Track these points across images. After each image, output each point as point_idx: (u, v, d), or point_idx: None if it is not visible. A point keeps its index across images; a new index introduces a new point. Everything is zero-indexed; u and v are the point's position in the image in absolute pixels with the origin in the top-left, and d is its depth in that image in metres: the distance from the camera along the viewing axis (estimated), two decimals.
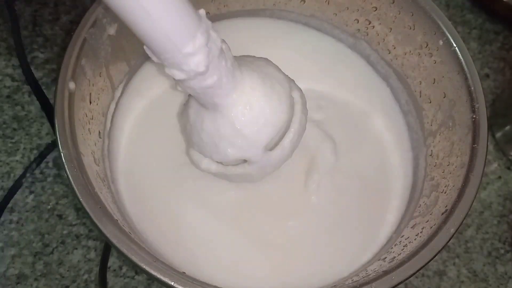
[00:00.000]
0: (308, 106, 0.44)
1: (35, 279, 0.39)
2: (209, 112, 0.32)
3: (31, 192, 0.42)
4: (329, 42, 0.46)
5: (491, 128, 0.49)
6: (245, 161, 0.34)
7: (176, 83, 0.30)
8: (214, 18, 0.45)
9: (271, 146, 0.33)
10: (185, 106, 0.35)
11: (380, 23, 0.42)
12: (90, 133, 0.35)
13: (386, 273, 0.29)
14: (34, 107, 0.46)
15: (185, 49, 0.26)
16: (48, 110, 0.45)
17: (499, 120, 0.49)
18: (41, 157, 0.44)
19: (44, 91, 0.47)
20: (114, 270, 0.40)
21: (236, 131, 0.31)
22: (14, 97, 0.46)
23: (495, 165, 0.48)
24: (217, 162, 0.35)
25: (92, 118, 0.35)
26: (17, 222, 0.41)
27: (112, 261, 0.40)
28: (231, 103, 0.31)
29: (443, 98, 0.38)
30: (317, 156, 0.40)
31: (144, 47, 0.27)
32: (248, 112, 0.31)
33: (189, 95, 0.33)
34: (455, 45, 0.36)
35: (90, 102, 0.35)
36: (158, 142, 0.41)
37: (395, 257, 0.32)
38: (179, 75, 0.27)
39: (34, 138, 0.45)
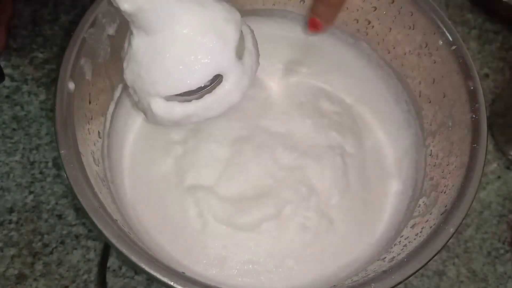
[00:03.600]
0: (305, 107, 0.44)
1: (35, 279, 0.39)
2: (164, 33, 0.28)
3: (30, 192, 0.42)
4: (328, 42, 0.46)
5: (490, 128, 0.49)
6: (210, 87, 0.31)
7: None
8: None
9: (238, 55, 0.31)
10: (127, 58, 0.31)
11: (379, 23, 0.42)
12: (90, 133, 0.35)
13: (385, 273, 0.29)
14: (34, 107, 0.46)
15: None
16: None
17: (498, 120, 0.49)
18: None
19: (44, 91, 0.47)
20: (114, 270, 0.40)
21: (203, 36, 0.29)
22: (14, 97, 0.46)
23: (494, 165, 0.48)
24: (188, 101, 0.31)
25: (91, 118, 0.35)
26: (17, 222, 0.41)
27: (112, 261, 0.40)
28: (187, 9, 0.28)
29: (442, 98, 0.38)
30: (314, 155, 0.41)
31: None
32: (206, 12, 0.29)
33: (128, 44, 0.31)
34: (454, 45, 0.36)
35: (90, 102, 0.35)
36: (158, 141, 0.41)
37: (394, 257, 0.32)
38: None
39: (34, 138, 0.45)
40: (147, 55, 0.29)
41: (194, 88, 0.30)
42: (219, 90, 0.31)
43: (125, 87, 0.41)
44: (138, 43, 0.29)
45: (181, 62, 0.29)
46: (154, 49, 0.29)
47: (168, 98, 0.30)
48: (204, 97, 0.31)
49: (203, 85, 0.30)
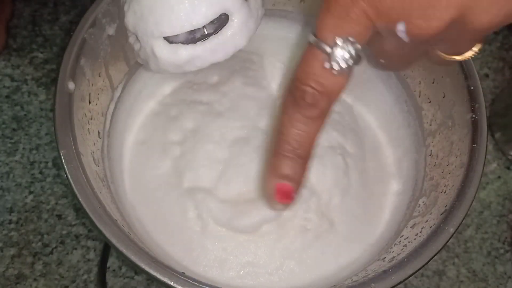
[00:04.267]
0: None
1: (35, 279, 0.39)
2: None
3: (30, 192, 0.42)
4: None
5: (490, 128, 0.49)
6: (224, 24, 0.30)
7: None
8: None
9: None
10: (128, 2, 0.30)
11: None
12: (90, 133, 0.35)
13: (385, 273, 0.29)
14: (34, 107, 0.46)
15: None
16: None
17: (498, 120, 0.49)
18: None
19: (44, 91, 0.47)
20: (114, 270, 0.40)
21: None
22: (14, 97, 0.46)
23: (494, 165, 0.48)
24: (193, 43, 0.30)
25: (91, 118, 0.35)
26: (17, 222, 0.41)
27: (112, 261, 0.40)
28: None
29: (442, 98, 0.38)
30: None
31: None
32: None
33: None
34: None
35: (90, 102, 0.35)
36: (157, 142, 0.41)
37: (394, 257, 0.32)
38: None
39: (34, 138, 0.45)
40: None
41: (198, 26, 0.28)
42: (225, 31, 0.29)
43: (126, 85, 0.41)
44: None
45: (187, 1, 0.27)
46: None
47: (172, 42, 0.29)
48: (209, 38, 0.29)
49: (206, 32, 0.29)
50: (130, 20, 0.30)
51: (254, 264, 0.36)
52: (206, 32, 0.29)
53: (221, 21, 0.29)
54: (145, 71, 0.42)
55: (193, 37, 0.29)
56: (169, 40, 0.29)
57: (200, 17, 0.28)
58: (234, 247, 0.37)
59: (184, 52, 0.29)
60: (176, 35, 0.29)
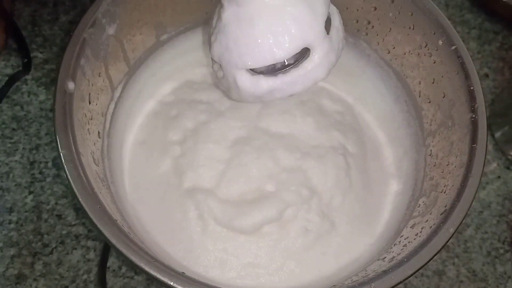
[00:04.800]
0: (306, 105, 0.44)
1: (35, 279, 0.39)
2: (255, 3, 0.28)
3: (30, 192, 0.42)
4: None
5: (490, 128, 0.49)
6: (305, 57, 0.31)
7: None
8: None
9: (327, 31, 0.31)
10: (216, 31, 0.31)
11: (379, 23, 0.42)
12: (90, 133, 0.35)
13: (385, 272, 0.29)
14: (34, 107, 0.46)
15: None
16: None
17: (498, 120, 0.49)
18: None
19: (43, 91, 0.47)
20: (114, 270, 0.40)
21: (293, 6, 0.28)
22: (13, 97, 0.46)
23: (494, 164, 0.48)
24: (274, 75, 0.31)
25: (91, 118, 0.35)
26: (17, 222, 0.41)
27: (112, 261, 0.40)
28: None
29: (442, 98, 0.38)
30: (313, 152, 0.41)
31: None
32: None
33: (218, 17, 0.31)
34: (454, 45, 0.36)
35: (90, 102, 0.35)
36: (157, 141, 0.41)
37: (394, 256, 0.32)
38: None
39: (33, 138, 0.45)
40: (237, 26, 0.29)
41: (281, 60, 0.29)
42: (306, 64, 0.30)
43: (126, 86, 0.41)
44: (229, 15, 0.29)
45: (270, 31, 0.28)
46: (244, 19, 0.29)
47: (253, 73, 0.30)
48: (290, 70, 0.30)
49: (287, 63, 0.30)
50: (216, 50, 0.31)
51: (255, 264, 0.36)
52: (286, 63, 0.30)
53: (302, 53, 0.30)
54: (145, 71, 0.43)
55: (274, 67, 0.30)
56: (251, 71, 0.30)
57: (283, 52, 0.29)
58: (235, 248, 0.36)
59: (265, 84, 0.30)
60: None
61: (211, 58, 0.33)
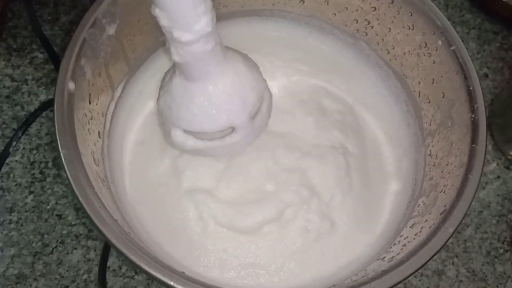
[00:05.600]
0: (306, 105, 0.44)
1: (35, 279, 0.39)
2: (199, 84, 0.33)
3: (30, 192, 0.42)
4: (328, 42, 0.46)
5: (489, 128, 0.49)
6: (229, 132, 0.35)
7: (175, 52, 0.31)
8: None
9: (252, 115, 0.36)
10: (165, 90, 0.36)
11: (379, 23, 0.42)
12: (90, 133, 0.35)
13: (385, 272, 0.29)
14: (34, 107, 0.46)
15: (199, 8, 0.28)
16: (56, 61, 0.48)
17: (498, 120, 0.49)
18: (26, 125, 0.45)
19: (44, 91, 0.47)
20: (114, 270, 0.40)
21: (228, 96, 0.34)
22: (14, 97, 0.46)
23: (494, 164, 0.48)
24: (201, 139, 0.36)
25: (91, 118, 0.35)
26: (17, 222, 0.41)
27: (112, 261, 0.40)
28: (222, 71, 0.33)
29: (442, 98, 0.38)
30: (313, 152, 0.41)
31: (155, 11, 0.29)
32: (236, 78, 0.34)
33: (169, 78, 0.35)
34: (454, 45, 0.36)
35: (90, 102, 0.35)
36: (157, 141, 0.41)
37: (394, 256, 0.32)
38: (188, 36, 0.29)
39: (34, 138, 0.45)
40: (181, 95, 0.34)
41: (208, 132, 0.35)
42: (228, 139, 0.36)
43: (126, 86, 0.41)
44: (177, 83, 0.34)
45: (205, 111, 0.34)
46: (188, 93, 0.34)
47: (186, 131, 0.36)
48: (214, 140, 0.36)
49: (213, 136, 0.36)
50: (160, 103, 0.36)
51: (255, 265, 0.36)
52: (213, 136, 0.36)
53: (228, 130, 0.35)
54: (145, 71, 0.43)
55: (203, 135, 0.36)
56: (183, 130, 0.36)
57: (211, 127, 0.34)
58: (234, 248, 0.37)
59: (192, 144, 0.36)
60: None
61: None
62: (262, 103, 0.37)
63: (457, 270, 0.43)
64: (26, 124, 0.45)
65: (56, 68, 0.47)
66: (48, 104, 0.46)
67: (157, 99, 0.37)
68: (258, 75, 0.36)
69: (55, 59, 0.48)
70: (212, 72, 0.33)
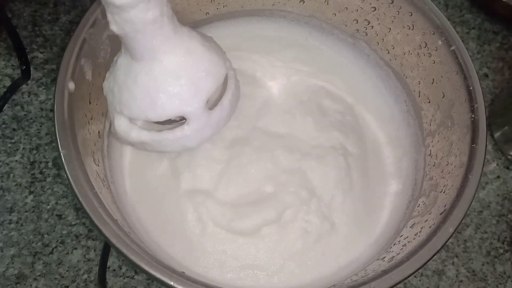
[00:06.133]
0: (306, 105, 0.43)
1: (35, 279, 0.39)
2: (144, 63, 0.30)
3: (30, 192, 0.42)
4: (328, 42, 0.46)
5: (489, 128, 0.49)
6: (181, 122, 0.32)
7: (112, 20, 0.28)
8: (213, 18, 0.45)
9: (210, 106, 0.32)
10: (110, 71, 0.33)
11: (379, 23, 0.42)
12: (90, 133, 0.35)
13: (385, 272, 0.29)
14: (34, 107, 0.46)
15: None
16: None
17: (497, 120, 0.49)
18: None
19: (44, 91, 0.47)
20: (114, 270, 0.40)
21: (176, 78, 0.29)
22: (14, 97, 0.46)
23: (494, 164, 0.48)
24: (147, 130, 0.32)
25: (91, 118, 0.35)
26: (17, 222, 0.41)
27: (112, 261, 0.40)
28: (170, 48, 0.29)
29: (442, 98, 0.38)
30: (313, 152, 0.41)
31: None
32: (188, 58, 0.30)
33: (116, 59, 0.32)
34: (454, 45, 0.36)
35: (90, 102, 0.35)
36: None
37: (394, 256, 0.32)
38: None
39: (34, 138, 0.45)
40: (124, 76, 0.30)
41: (153, 120, 0.30)
42: (178, 131, 0.31)
43: None
44: (122, 62, 0.30)
45: (148, 94, 0.30)
46: (131, 74, 0.30)
47: (133, 121, 0.31)
48: (162, 132, 0.31)
49: (173, 119, 0.31)
50: (105, 86, 0.32)
51: (254, 266, 0.36)
52: (161, 128, 0.31)
53: (181, 117, 0.31)
54: None
55: (150, 124, 0.31)
56: (128, 119, 0.31)
57: (156, 114, 0.30)
58: (234, 250, 0.36)
59: (135, 136, 0.32)
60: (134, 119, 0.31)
61: None
62: (225, 93, 0.33)
63: (457, 270, 0.43)
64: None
65: (19, 57, 0.45)
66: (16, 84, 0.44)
67: (103, 82, 0.33)
68: (217, 59, 0.32)
69: (20, 50, 0.46)
70: (158, 49, 0.29)
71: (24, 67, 0.47)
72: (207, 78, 0.31)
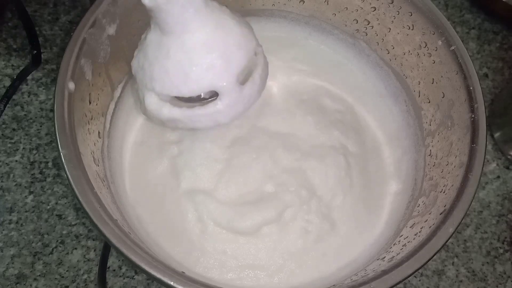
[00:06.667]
0: (306, 104, 0.44)
1: (35, 279, 0.39)
2: (175, 37, 0.29)
3: (30, 192, 0.42)
4: (328, 42, 0.46)
5: (489, 128, 0.49)
6: (210, 100, 0.31)
7: None
8: None
9: (241, 80, 0.31)
10: (139, 49, 0.32)
11: (379, 23, 0.42)
12: (90, 133, 0.35)
13: (385, 272, 0.29)
14: (34, 107, 0.46)
15: None
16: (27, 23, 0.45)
17: (497, 120, 0.49)
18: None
19: (44, 91, 0.47)
20: (114, 270, 0.40)
21: (209, 51, 0.29)
22: (14, 97, 0.46)
23: (493, 164, 0.48)
24: (179, 107, 0.31)
25: (91, 118, 0.35)
26: (17, 222, 0.41)
27: (112, 261, 0.40)
28: (202, 21, 0.29)
29: (442, 98, 0.38)
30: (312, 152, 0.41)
31: None
32: (220, 31, 0.29)
33: (145, 35, 0.31)
34: (454, 45, 0.36)
35: (90, 102, 0.35)
36: (156, 141, 0.41)
37: (394, 256, 0.32)
38: None
39: (34, 138, 0.45)
40: (155, 52, 0.30)
41: (186, 95, 0.30)
42: (210, 107, 0.31)
43: (126, 86, 0.41)
44: (152, 38, 0.30)
45: (181, 68, 0.29)
46: (162, 49, 0.29)
47: (164, 98, 0.31)
48: (194, 108, 0.31)
49: (202, 96, 0.31)
50: (134, 64, 0.32)
51: (254, 266, 0.36)
52: (193, 103, 0.31)
53: (211, 95, 0.31)
54: None
55: (179, 102, 0.31)
56: (159, 96, 0.31)
57: (188, 90, 0.30)
58: (234, 249, 0.36)
59: (167, 112, 0.31)
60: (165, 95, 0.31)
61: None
62: (255, 68, 0.32)
63: (457, 270, 0.43)
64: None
65: (28, 35, 0.44)
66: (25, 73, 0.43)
67: (132, 61, 0.33)
68: (248, 32, 0.31)
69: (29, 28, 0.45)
70: (190, 22, 0.28)
71: (36, 51, 0.45)
72: (239, 52, 0.30)
